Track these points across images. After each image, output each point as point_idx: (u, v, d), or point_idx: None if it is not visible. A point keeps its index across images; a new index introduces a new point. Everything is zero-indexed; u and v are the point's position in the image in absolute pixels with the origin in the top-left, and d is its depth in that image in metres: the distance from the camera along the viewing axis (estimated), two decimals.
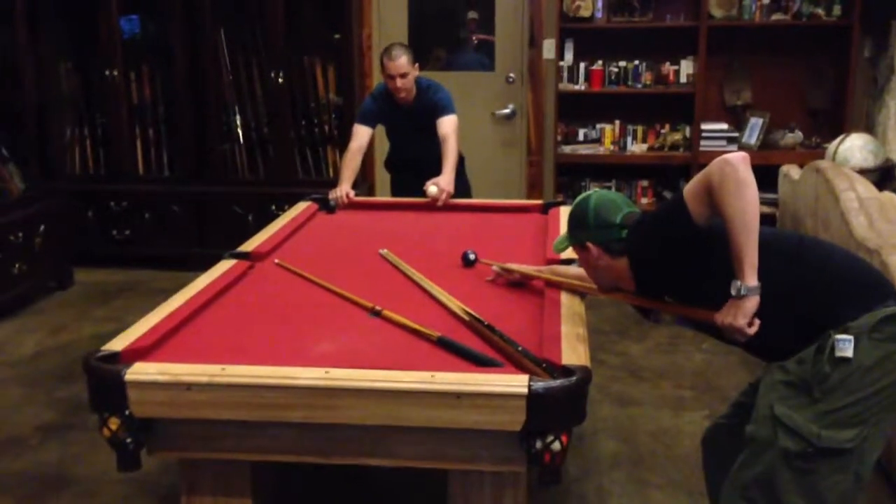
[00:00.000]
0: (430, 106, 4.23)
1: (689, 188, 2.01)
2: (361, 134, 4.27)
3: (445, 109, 4.21)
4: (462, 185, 4.32)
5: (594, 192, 2.31)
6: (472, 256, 2.94)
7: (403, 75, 4.11)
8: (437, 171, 4.00)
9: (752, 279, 1.94)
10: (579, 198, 2.32)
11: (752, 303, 1.95)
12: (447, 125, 4.16)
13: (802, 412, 1.96)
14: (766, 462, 2.02)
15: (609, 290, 2.35)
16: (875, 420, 1.97)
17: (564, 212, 3.59)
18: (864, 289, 2.00)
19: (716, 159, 1.96)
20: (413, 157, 4.39)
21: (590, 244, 2.22)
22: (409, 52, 4.16)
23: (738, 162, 1.92)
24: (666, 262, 2.10)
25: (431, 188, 3.88)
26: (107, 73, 5.66)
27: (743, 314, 1.96)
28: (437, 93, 4.26)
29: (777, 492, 2.00)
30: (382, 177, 5.85)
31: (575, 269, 2.59)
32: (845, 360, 1.92)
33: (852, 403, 1.94)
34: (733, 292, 1.95)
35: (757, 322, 1.96)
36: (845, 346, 1.92)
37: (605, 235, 2.20)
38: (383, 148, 4.85)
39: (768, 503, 2.02)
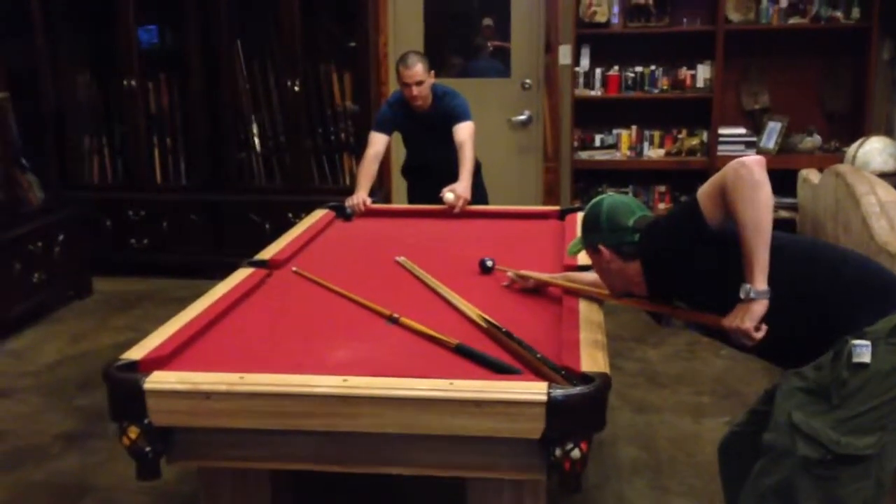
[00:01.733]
0: (446, 113, 4.23)
1: (704, 190, 2.02)
2: (377, 141, 4.28)
3: (462, 116, 4.21)
4: (479, 192, 4.31)
5: (607, 196, 2.32)
6: (489, 263, 2.93)
7: (419, 83, 4.12)
8: (453, 177, 4.00)
9: (761, 283, 1.94)
10: (593, 201, 2.33)
11: (761, 307, 1.95)
12: (463, 132, 4.16)
13: (821, 419, 1.94)
14: (785, 470, 2.00)
15: (621, 295, 2.35)
16: (894, 426, 1.94)
17: (581, 218, 3.59)
18: (878, 293, 1.99)
19: (731, 162, 1.97)
20: (430, 164, 4.39)
21: (602, 247, 2.23)
22: (424, 59, 4.16)
23: (753, 165, 1.93)
24: (677, 265, 2.10)
25: (448, 195, 3.87)
26: (125, 82, 5.69)
27: (750, 318, 1.95)
28: (454, 99, 4.26)
29: (797, 500, 1.98)
30: (399, 184, 5.85)
31: (590, 276, 2.59)
32: (863, 365, 1.90)
33: (871, 409, 1.93)
34: (742, 295, 1.95)
35: (764, 327, 1.95)
36: (863, 351, 1.90)
37: (618, 238, 2.21)
38: (400, 155, 4.85)
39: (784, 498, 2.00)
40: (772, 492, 2.03)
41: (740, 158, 1.96)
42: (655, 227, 2.17)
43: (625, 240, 2.20)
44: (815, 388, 1.97)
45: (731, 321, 1.98)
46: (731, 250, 1.97)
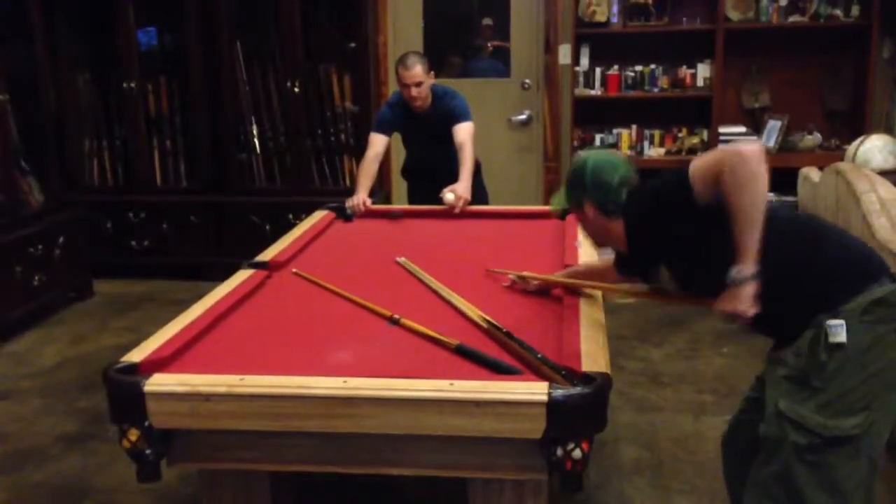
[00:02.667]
0: (445, 113, 4.23)
1: (697, 169, 2.00)
2: (377, 142, 4.28)
3: (461, 116, 4.21)
4: (479, 192, 4.31)
5: (593, 153, 2.33)
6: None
7: (418, 84, 4.12)
8: (453, 178, 3.99)
9: (751, 267, 1.95)
10: (578, 158, 2.34)
11: (751, 288, 1.96)
12: (463, 132, 4.16)
13: (806, 404, 1.96)
14: (782, 459, 2.02)
15: (626, 292, 2.36)
16: (879, 403, 1.96)
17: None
18: (856, 270, 2.00)
19: (729, 149, 1.97)
20: (429, 165, 4.39)
21: (586, 204, 2.25)
22: (424, 60, 4.16)
23: (751, 156, 1.92)
24: (658, 232, 2.12)
25: (448, 195, 3.87)
26: (124, 85, 5.70)
27: (742, 301, 1.97)
28: (453, 100, 4.26)
29: (797, 487, 2.00)
30: (399, 185, 5.85)
31: (594, 265, 2.64)
32: (840, 345, 1.93)
33: (853, 389, 1.94)
34: (732, 276, 1.96)
35: (756, 306, 1.97)
36: (838, 331, 1.92)
37: (602, 196, 2.22)
38: (400, 156, 4.85)
39: (791, 500, 2.01)
40: (773, 482, 2.04)
41: (738, 148, 1.95)
42: (642, 191, 2.19)
43: (609, 198, 2.21)
44: (798, 375, 2.00)
45: (724, 305, 1.99)
46: (716, 222, 1.97)
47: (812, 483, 1.98)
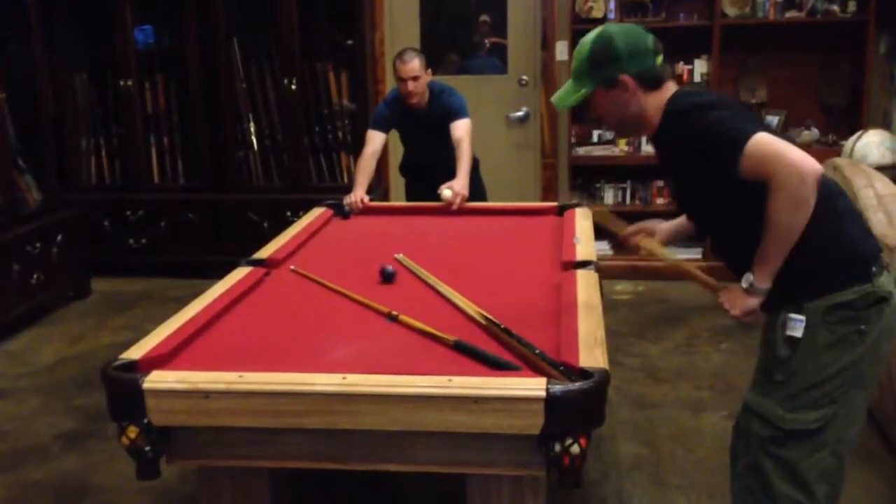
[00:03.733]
0: (443, 110, 4.23)
1: (755, 155, 1.85)
2: (375, 139, 4.28)
3: (458, 113, 4.21)
4: (477, 188, 4.31)
5: (607, 25, 2.13)
6: (389, 269, 2.82)
7: (415, 78, 4.12)
8: (451, 175, 4.00)
9: (765, 282, 1.96)
10: (590, 35, 2.09)
11: (755, 302, 1.99)
12: (461, 129, 4.17)
13: (769, 397, 2.01)
14: (752, 451, 2.07)
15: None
16: (844, 399, 1.98)
17: (580, 214, 3.59)
18: (834, 267, 1.98)
19: (793, 160, 1.83)
20: (427, 162, 4.40)
21: (624, 77, 2.04)
22: (421, 56, 4.17)
23: (811, 180, 1.83)
24: (693, 169, 2.03)
25: (446, 192, 3.88)
26: (122, 83, 5.70)
27: (743, 308, 2.00)
28: (451, 96, 4.26)
29: (765, 477, 2.05)
30: (397, 181, 5.84)
31: (666, 226, 2.46)
32: (795, 340, 1.96)
33: (815, 385, 1.97)
34: (744, 284, 1.98)
35: (753, 317, 2.02)
36: (796, 325, 1.95)
37: (640, 63, 2.03)
38: (398, 153, 4.85)
39: (761, 489, 2.07)
40: (748, 472, 2.10)
41: (802, 163, 1.83)
42: (694, 112, 1.97)
43: (649, 64, 2.04)
44: (765, 367, 2.05)
45: (725, 300, 2.04)
46: (743, 194, 1.92)
47: (777, 474, 2.02)
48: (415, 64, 4.12)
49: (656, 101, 2.06)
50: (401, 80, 4.17)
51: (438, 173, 4.07)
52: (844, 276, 1.97)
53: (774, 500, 2.04)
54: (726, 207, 2.03)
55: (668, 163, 2.12)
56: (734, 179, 1.90)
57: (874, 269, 1.99)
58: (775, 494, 2.04)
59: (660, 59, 2.06)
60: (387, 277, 2.80)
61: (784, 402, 1.99)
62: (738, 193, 1.94)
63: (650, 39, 2.06)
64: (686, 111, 1.99)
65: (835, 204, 2.02)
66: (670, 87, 2.09)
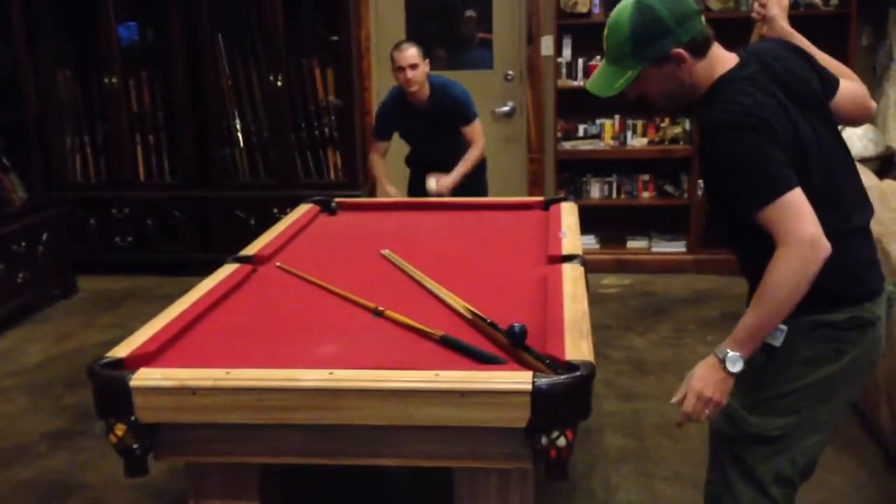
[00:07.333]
0: (447, 106, 4.25)
1: (771, 218, 1.75)
2: (379, 149, 4.44)
3: (467, 116, 4.29)
4: (479, 189, 4.36)
5: None
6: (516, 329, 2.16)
7: (413, 66, 4.13)
8: (453, 169, 4.07)
9: (744, 352, 1.82)
10: (624, 8, 1.89)
11: (728, 383, 1.85)
12: (472, 134, 4.30)
13: (737, 398, 1.96)
14: (715, 446, 2.11)
15: None
16: (808, 412, 1.96)
17: (566, 208, 3.60)
18: (829, 289, 1.85)
19: (809, 238, 1.72)
20: (432, 158, 4.40)
21: (677, 52, 1.85)
22: (418, 46, 4.19)
23: (821, 259, 1.73)
24: (711, 177, 1.95)
25: (430, 182, 3.89)
26: (106, 80, 5.67)
27: (713, 386, 1.85)
28: (454, 90, 4.31)
29: (724, 472, 2.07)
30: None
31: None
32: (772, 348, 1.90)
33: (784, 395, 1.95)
34: (719, 355, 1.84)
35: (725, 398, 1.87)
36: (777, 335, 1.87)
37: (690, 29, 1.85)
38: (396, 149, 4.84)
39: (722, 484, 2.08)
40: (713, 465, 2.13)
41: (816, 242, 1.72)
42: (726, 135, 1.80)
43: (697, 27, 1.86)
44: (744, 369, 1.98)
45: (693, 379, 1.89)
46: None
47: (734, 471, 2.04)
48: (412, 52, 4.14)
49: (704, 71, 1.90)
50: (398, 69, 4.17)
51: (443, 168, 4.13)
52: (839, 298, 1.90)
53: (734, 497, 2.04)
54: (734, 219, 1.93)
55: (700, 142, 1.96)
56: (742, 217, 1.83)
57: (869, 294, 1.94)
58: (735, 493, 2.04)
59: (703, 18, 1.89)
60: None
61: (750, 406, 1.98)
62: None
63: (692, 2, 1.88)
64: (726, 125, 1.81)
65: (845, 223, 1.91)
66: (716, 56, 1.92)
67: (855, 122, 2.14)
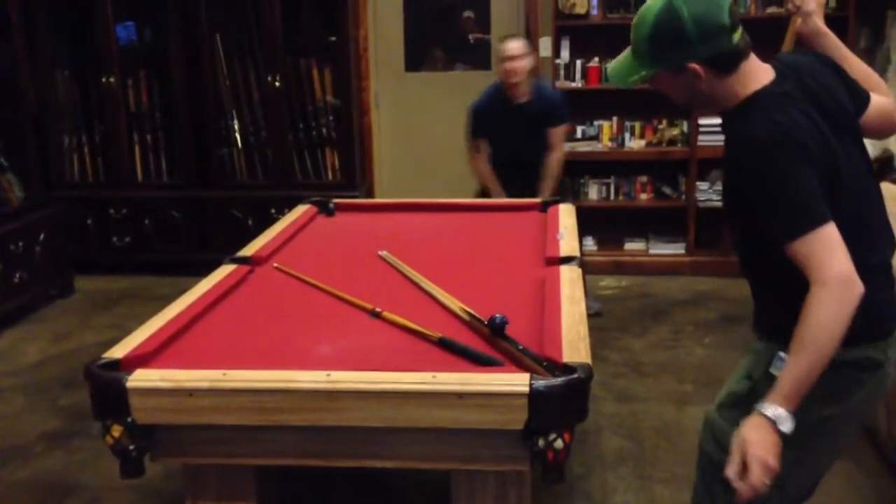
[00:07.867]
0: (545, 105, 4.36)
1: (802, 252, 1.66)
2: (479, 146, 4.46)
3: (564, 116, 4.40)
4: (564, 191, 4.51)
5: None
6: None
7: (516, 58, 4.22)
8: (541, 170, 4.27)
9: (785, 406, 1.67)
10: (654, 4, 1.80)
11: (775, 440, 1.68)
12: (559, 134, 4.41)
13: (733, 425, 1.79)
14: (703, 466, 2.04)
15: None
16: (806, 445, 1.83)
17: (563, 210, 3.60)
18: (851, 326, 1.68)
19: (843, 272, 1.63)
20: (521, 158, 4.44)
21: (693, 67, 1.76)
22: (525, 41, 4.33)
23: (855, 299, 1.64)
24: (734, 195, 1.84)
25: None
26: (104, 80, 5.67)
27: (772, 451, 1.67)
28: (552, 90, 4.45)
29: (710, 487, 2.00)
30: (382, 178, 5.86)
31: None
32: (773, 378, 1.76)
33: None
34: (768, 415, 1.68)
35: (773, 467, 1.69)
36: (780, 365, 1.77)
37: (715, 46, 1.74)
38: (389, 146, 4.83)
39: (707, 494, 2.03)
40: (699, 477, 2.07)
41: (850, 281, 1.63)
42: (759, 154, 1.70)
43: (724, 46, 1.75)
44: (738, 392, 1.95)
45: (741, 437, 1.71)
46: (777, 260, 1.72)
47: (721, 494, 1.89)
48: (516, 44, 4.24)
49: (731, 86, 1.80)
50: (503, 59, 4.24)
51: (528, 167, 4.29)
52: (855, 336, 1.70)
53: None
54: (752, 237, 1.85)
55: (726, 154, 1.86)
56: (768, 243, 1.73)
57: (884, 334, 1.85)
58: None
59: (738, 33, 1.78)
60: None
61: None
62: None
63: (726, 10, 1.75)
64: (761, 142, 1.72)
65: (871, 258, 1.80)
66: (750, 70, 1.84)
67: (879, 135, 2.07)
